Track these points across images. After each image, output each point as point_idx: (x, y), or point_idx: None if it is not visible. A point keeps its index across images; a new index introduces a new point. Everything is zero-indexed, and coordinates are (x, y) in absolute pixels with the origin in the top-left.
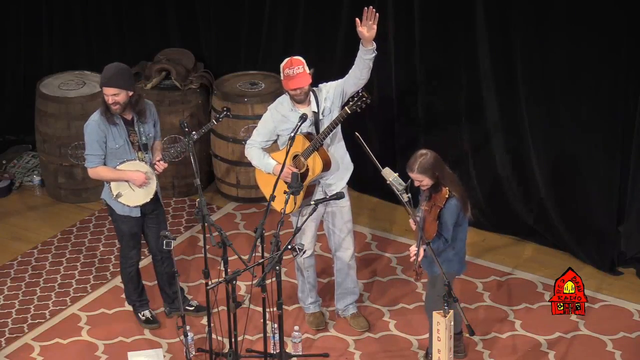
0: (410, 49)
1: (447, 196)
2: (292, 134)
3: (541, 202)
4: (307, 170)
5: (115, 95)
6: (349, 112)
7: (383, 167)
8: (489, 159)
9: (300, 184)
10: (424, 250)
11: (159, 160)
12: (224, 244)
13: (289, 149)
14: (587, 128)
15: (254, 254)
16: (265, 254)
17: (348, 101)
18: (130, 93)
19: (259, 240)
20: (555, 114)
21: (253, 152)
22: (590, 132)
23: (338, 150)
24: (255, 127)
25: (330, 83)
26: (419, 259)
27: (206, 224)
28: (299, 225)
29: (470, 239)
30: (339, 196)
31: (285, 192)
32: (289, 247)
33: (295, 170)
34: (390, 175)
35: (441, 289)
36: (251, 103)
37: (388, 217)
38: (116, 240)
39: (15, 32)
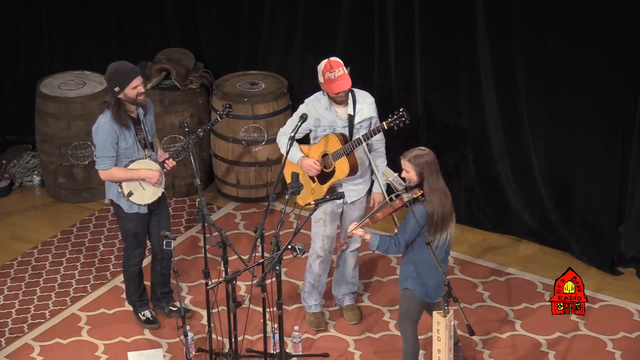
0: (410, 49)
1: (415, 197)
2: (292, 134)
3: (541, 202)
4: (334, 171)
5: (141, 85)
6: (386, 128)
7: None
8: (489, 159)
9: (300, 185)
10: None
11: (167, 159)
12: (224, 244)
13: (289, 149)
14: (587, 128)
15: (254, 254)
16: (265, 254)
17: (387, 116)
18: None
19: (259, 240)
20: (555, 113)
21: (284, 140)
22: (590, 132)
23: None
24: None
25: (372, 103)
26: (358, 233)
27: (206, 224)
28: (299, 225)
29: (470, 239)
30: (339, 196)
31: (285, 192)
32: (289, 247)
33: (318, 167)
34: (390, 175)
35: (404, 303)
36: (251, 103)
37: (388, 216)
38: (116, 240)
39: (15, 32)
